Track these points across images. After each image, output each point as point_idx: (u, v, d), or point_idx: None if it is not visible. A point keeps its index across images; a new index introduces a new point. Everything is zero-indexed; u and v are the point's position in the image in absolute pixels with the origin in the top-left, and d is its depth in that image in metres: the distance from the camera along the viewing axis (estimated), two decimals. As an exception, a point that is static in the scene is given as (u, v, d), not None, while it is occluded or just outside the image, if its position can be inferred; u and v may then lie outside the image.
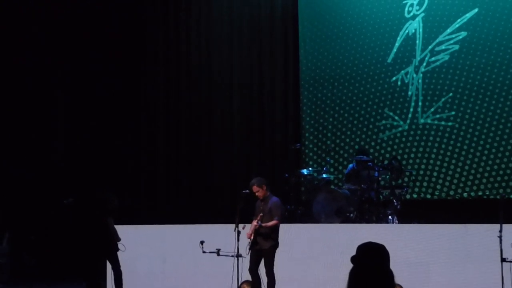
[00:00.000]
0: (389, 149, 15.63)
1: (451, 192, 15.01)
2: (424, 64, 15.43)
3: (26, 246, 17.06)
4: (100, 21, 17.64)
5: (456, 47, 15.17)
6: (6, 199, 16.91)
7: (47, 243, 16.98)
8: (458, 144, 15.02)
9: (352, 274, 4.41)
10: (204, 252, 11.49)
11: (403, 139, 15.53)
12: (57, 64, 17.61)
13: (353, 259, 4.45)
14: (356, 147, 15.76)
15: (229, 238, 11.15)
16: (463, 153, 14.97)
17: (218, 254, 11.45)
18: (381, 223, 13.25)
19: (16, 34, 17.34)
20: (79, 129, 17.72)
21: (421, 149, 15.35)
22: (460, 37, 15.14)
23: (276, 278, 11.26)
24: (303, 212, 14.40)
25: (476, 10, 15.04)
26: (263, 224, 11.14)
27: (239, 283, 11.20)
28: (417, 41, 15.54)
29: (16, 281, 15.93)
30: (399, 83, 15.69)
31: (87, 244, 12.88)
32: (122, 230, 12.81)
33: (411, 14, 15.64)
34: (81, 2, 17.57)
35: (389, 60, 15.82)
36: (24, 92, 17.51)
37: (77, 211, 14.12)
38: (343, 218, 13.51)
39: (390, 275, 4.42)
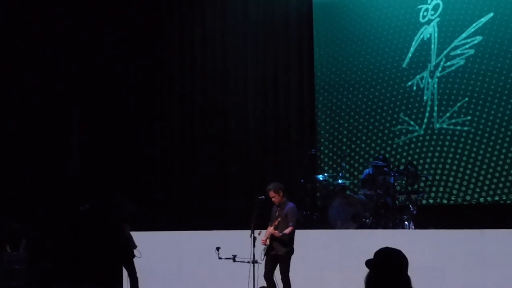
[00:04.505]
0: (404, 154, 15.59)
1: (468, 197, 14.95)
2: (440, 68, 15.40)
3: (43, 252, 17.11)
4: (115, 29, 17.68)
5: (472, 51, 15.13)
6: (22, 205, 16.97)
7: (63, 249, 17.04)
8: (474, 149, 14.97)
9: (368, 279, 4.41)
10: (220, 258, 11.51)
11: (419, 144, 15.49)
12: (72, 72, 17.66)
13: (368, 264, 4.45)
14: (372, 152, 15.74)
15: (245, 244, 11.16)
16: (479, 157, 14.90)
17: (234, 260, 11.47)
18: (397, 228, 13.23)
19: (30, 43, 17.42)
20: (95, 135, 17.76)
21: (437, 154, 15.30)
22: (476, 41, 15.09)
23: (291, 284, 11.25)
24: (318, 217, 14.40)
25: (491, 14, 14.99)
26: (282, 233, 11.13)
27: (255, 289, 11.21)
28: (432, 46, 15.51)
29: (33, 287, 15.98)
30: (414, 88, 15.65)
31: (103, 250, 12.92)
32: (138, 236, 12.84)
33: (426, 19, 15.61)
34: (95, 9, 17.62)
35: (404, 65, 15.80)
36: (40, 99, 17.57)
37: (93, 217, 14.16)
38: (359, 223, 13.50)
39: (406, 281, 4.41)
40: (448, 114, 15.25)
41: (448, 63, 15.33)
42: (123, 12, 17.71)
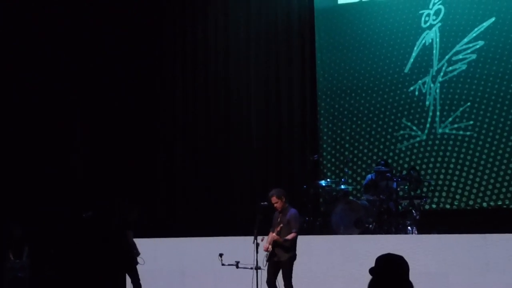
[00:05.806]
0: (407, 159, 15.59)
1: (470, 202, 14.94)
2: (442, 73, 15.40)
3: (46, 259, 17.09)
4: (115, 29, 17.68)
5: (473, 56, 15.14)
6: (25, 212, 16.96)
7: (67, 256, 17.02)
8: (477, 154, 14.97)
9: (372, 286, 4.42)
10: (223, 264, 11.49)
11: (421, 149, 15.48)
12: (72, 72, 17.66)
13: (372, 271, 4.45)
14: (374, 157, 15.74)
15: (248, 250, 11.15)
16: (482, 162, 14.90)
17: (237, 267, 11.45)
18: (400, 233, 13.22)
19: (30, 43, 17.43)
20: (98, 142, 17.76)
21: (439, 159, 15.30)
22: (477, 46, 15.10)
23: (295, 290, 11.25)
24: (321, 223, 14.39)
25: (493, 19, 15.01)
26: (284, 239, 11.13)
27: (258, 295, 11.19)
28: (434, 51, 15.52)
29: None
30: (416, 93, 15.66)
31: (107, 258, 12.91)
32: (141, 243, 12.84)
33: (428, 24, 15.62)
34: (95, 9, 17.63)
35: (406, 70, 15.80)
36: (40, 99, 17.55)
37: (96, 224, 14.16)
38: (362, 229, 13.49)
39: (409, 286, 4.42)
40: (450, 119, 15.26)
41: (450, 68, 15.34)
42: (123, 12, 17.71)
